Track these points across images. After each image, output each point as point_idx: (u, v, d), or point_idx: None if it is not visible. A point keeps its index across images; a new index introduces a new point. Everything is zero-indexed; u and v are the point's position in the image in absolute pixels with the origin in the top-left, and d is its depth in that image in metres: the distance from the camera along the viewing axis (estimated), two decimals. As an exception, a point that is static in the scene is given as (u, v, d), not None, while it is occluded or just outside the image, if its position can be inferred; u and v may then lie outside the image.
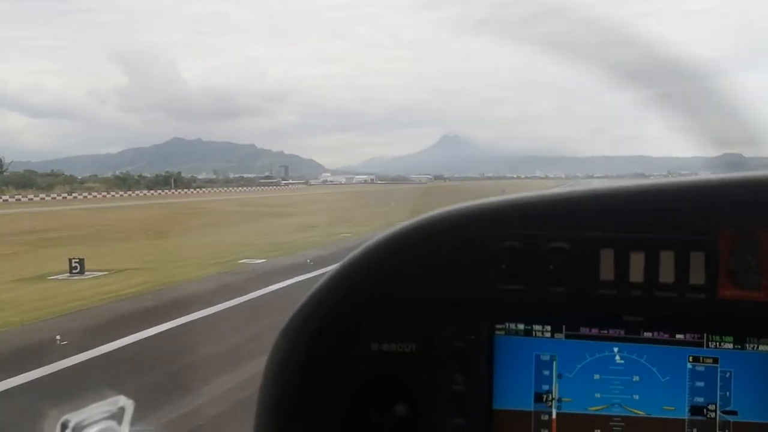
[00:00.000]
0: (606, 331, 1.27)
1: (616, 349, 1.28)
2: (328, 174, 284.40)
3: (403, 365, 1.31)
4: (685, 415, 1.26)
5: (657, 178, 1.53)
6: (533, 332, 1.29)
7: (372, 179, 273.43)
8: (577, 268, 1.24)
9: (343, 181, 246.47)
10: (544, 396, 1.30)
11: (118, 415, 0.92)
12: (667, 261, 1.22)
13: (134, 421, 0.93)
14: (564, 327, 1.28)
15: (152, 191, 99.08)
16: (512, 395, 1.30)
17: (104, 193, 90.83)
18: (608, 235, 1.23)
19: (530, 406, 1.30)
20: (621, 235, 1.23)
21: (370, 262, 1.33)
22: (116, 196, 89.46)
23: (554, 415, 1.30)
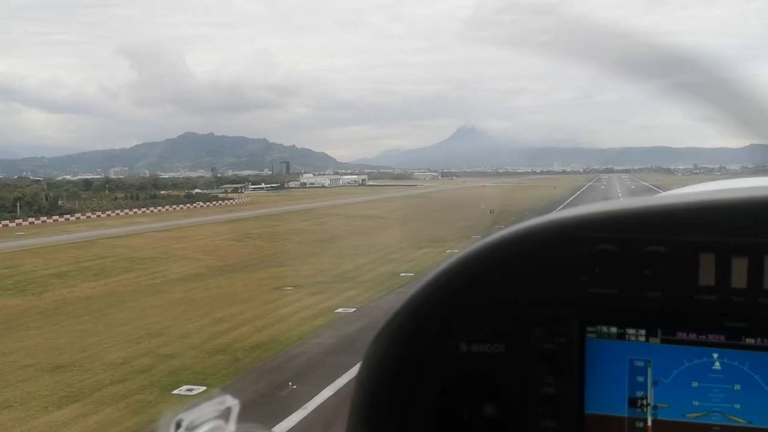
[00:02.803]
0: (705, 337, 1.23)
1: (715, 355, 1.23)
2: (310, 175, 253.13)
3: (492, 366, 1.30)
4: None
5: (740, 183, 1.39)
6: (626, 336, 1.26)
7: (364, 179, 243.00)
8: (674, 272, 1.20)
9: (327, 183, 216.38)
10: (639, 401, 1.26)
11: (225, 414, 0.96)
12: None
13: (239, 419, 0.96)
14: (659, 331, 1.24)
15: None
16: (605, 400, 1.27)
17: None
18: (708, 239, 1.19)
19: (624, 412, 1.27)
20: (722, 239, 1.19)
21: (465, 267, 1.34)
22: None
23: (649, 422, 1.26)
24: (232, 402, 0.99)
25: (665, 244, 1.21)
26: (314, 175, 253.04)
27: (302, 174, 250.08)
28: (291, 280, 34.65)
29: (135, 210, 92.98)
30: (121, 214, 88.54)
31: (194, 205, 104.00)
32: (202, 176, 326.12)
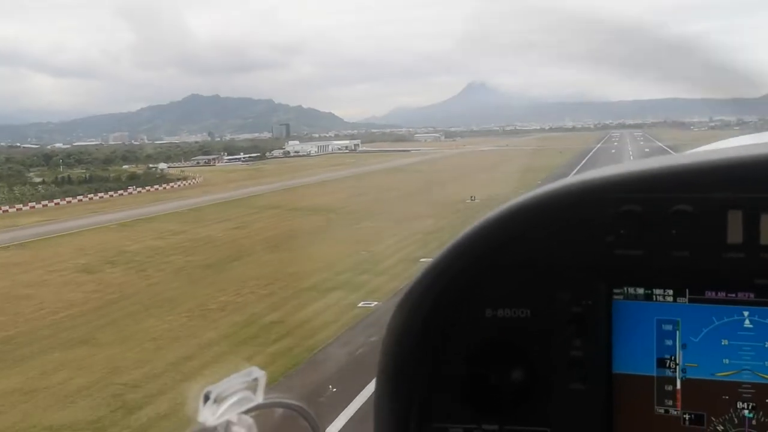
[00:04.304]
0: (734, 295, 1.21)
1: (746, 313, 1.21)
2: (296, 142, 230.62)
3: (518, 331, 1.30)
4: None
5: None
6: (654, 296, 1.25)
7: (356, 145, 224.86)
8: (702, 231, 1.19)
9: (313, 151, 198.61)
10: (667, 361, 1.25)
11: (252, 386, 0.97)
12: None
13: (267, 390, 0.97)
14: (687, 291, 1.23)
15: None
16: (633, 360, 1.27)
17: None
18: (736, 196, 1.17)
19: (652, 371, 1.26)
20: (750, 195, 1.17)
21: (489, 232, 1.32)
22: None
23: (678, 382, 1.25)
24: (260, 373, 0.98)
25: (692, 203, 1.18)
26: (300, 142, 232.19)
27: (287, 142, 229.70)
28: (35, 404, 19.12)
29: (34, 204, 76.27)
30: (12, 210, 72.15)
31: (120, 192, 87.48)
32: (197, 142, 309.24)
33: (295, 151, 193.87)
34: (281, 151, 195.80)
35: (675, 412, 1.26)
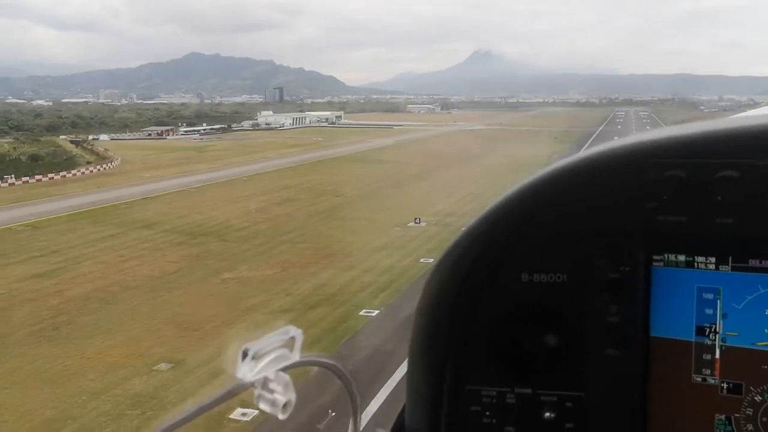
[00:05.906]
0: None
1: None
2: (269, 113, 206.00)
3: (554, 296, 1.29)
4: None
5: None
6: (695, 264, 1.22)
7: (338, 117, 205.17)
8: (747, 198, 1.15)
9: (288, 123, 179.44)
10: (707, 330, 1.23)
11: (289, 344, 0.99)
12: None
13: (303, 349, 0.98)
14: (730, 259, 1.21)
15: None
16: (671, 326, 1.25)
17: None
18: None
19: (691, 338, 1.24)
20: None
21: (528, 196, 1.31)
22: None
23: (718, 350, 1.23)
24: (296, 332, 1.00)
25: (738, 169, 1.14)
26: (273, 113, 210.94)
27: (260, 112, 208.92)
28: None
29: None
30: None
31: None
32: (183, 104, 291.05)
33: (267, 123, 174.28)
34: (251, 122, 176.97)
35: (713, 381, 1.23)
